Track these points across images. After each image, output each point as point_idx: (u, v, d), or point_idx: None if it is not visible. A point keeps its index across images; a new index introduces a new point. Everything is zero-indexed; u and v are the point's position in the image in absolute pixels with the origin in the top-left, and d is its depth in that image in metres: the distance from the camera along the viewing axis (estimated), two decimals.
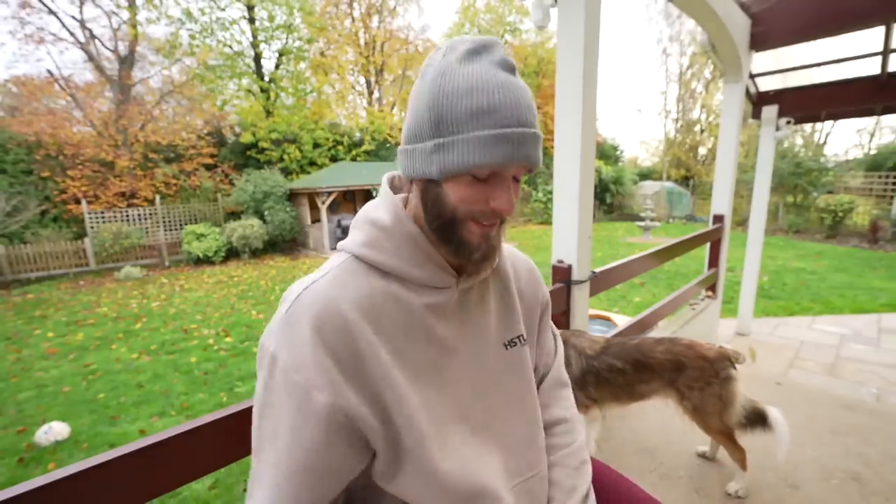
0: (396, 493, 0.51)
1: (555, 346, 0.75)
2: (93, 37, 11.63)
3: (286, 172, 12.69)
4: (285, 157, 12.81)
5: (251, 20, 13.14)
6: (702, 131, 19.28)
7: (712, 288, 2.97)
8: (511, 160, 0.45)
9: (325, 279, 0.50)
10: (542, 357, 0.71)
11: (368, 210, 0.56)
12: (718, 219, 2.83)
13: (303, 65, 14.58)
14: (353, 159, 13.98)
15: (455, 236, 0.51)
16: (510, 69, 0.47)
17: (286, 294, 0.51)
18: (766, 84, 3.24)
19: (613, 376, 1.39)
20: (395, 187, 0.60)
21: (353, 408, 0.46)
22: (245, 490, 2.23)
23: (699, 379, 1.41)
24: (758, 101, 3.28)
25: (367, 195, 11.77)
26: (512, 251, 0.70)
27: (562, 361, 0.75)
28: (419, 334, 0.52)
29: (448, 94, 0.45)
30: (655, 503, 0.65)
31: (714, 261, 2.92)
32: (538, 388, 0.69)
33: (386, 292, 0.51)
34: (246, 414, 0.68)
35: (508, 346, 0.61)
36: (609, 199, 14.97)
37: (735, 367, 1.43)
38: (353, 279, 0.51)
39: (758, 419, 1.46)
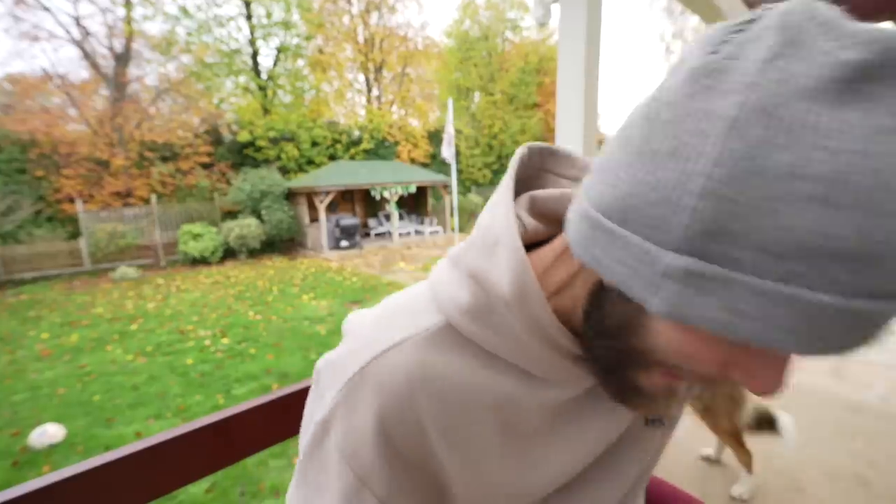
0: None
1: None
2: (88, 34, 11.55)
3: (284, 171, 12.63)
4: (283, 155, 12.75)
5: (248, 17, 13.06)
6: None
7: None
8: (853, 348, 0.22)
9: (407, 350, 0.36)
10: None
11: (478, 255, 0.36)
12: None
13: (301, 62, 14.52)
14: (352, 158, 13.93)
15: (623, 375, 0.32)
16: None
17: (359, 337, 0.39)
18: None
19: None
20: (536, 211, 0.39)
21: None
22: (242, 493, 2.22)
23: None
24: None
25: (366, 194, 11.74)
26: None
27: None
28: (524, 439, 0.38)
29: (765, 174, 0.20)
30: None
31: None
32: None
33: (485, 387, 0.36)
34: (244, 417, 0.67)
35: (651, 423, 0.44)
36: None
37: None
38: (444, 363, 0.36)
39: (766, 423, 1.44)
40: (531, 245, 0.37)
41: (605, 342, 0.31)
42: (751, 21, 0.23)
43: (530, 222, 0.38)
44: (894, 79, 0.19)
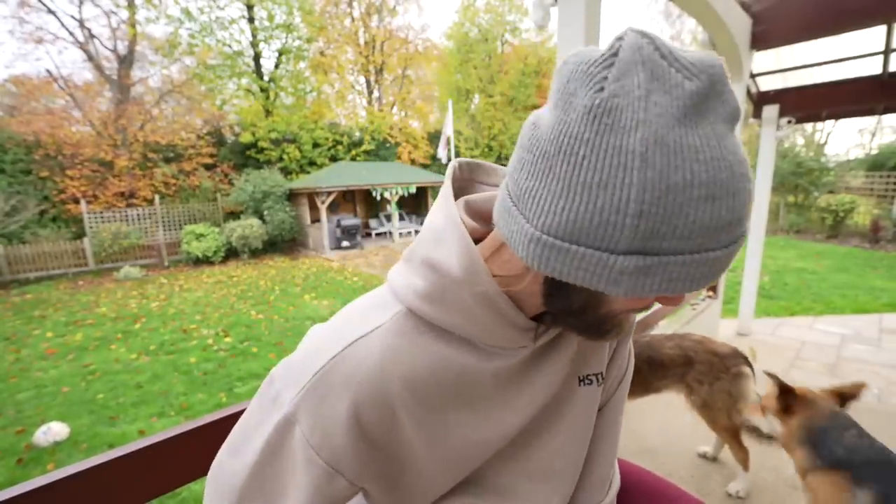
0: None
1: (626, 369, 0.61)
2: (92, 36, 11.62)
3: (286, 172, 12.68)
4: (285, 156, 12.80)
5: (251, 19, 13.12)
6: None
7: (713, 288, 2.97)
8: (718, 277, 0.32)
9: (373, 340, 0.40)
10: (610, 381, 0.59)
11: (426, 244, 0.42)
12: None
13: (302, 64, 14.58)
14: (353, 159, 13.97)
15: (592, 329, 0.40)
16: (735, 119, 0.31)
17: (321, 336, 0.42)
18: (767, 83, 3.23)
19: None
20: (471, 211, 0.45)
21: (369, 484, 0.42)
22: None
23: (708, 374, 1.42)
24: (758, 100, 3.27)
25: (367, 195, 11.77)
26: None
27: (624, 395, 0.62)
28: (486, 401, 0.44)
29: (674, 190, 0.27)
30: (677, 489, 0.63)
31: None
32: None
33: (447, 362, 0.41)
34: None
35: (583, 383, 0.52)
36: None
37: (750, 366, 1.43)
38: (409, 345, 0.40)
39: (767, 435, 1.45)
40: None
41: (573, 317, 0.39)
42: (613, 55, 0.29)
43: (468, 222, 0.43)
44: (717, 98, 0.29)
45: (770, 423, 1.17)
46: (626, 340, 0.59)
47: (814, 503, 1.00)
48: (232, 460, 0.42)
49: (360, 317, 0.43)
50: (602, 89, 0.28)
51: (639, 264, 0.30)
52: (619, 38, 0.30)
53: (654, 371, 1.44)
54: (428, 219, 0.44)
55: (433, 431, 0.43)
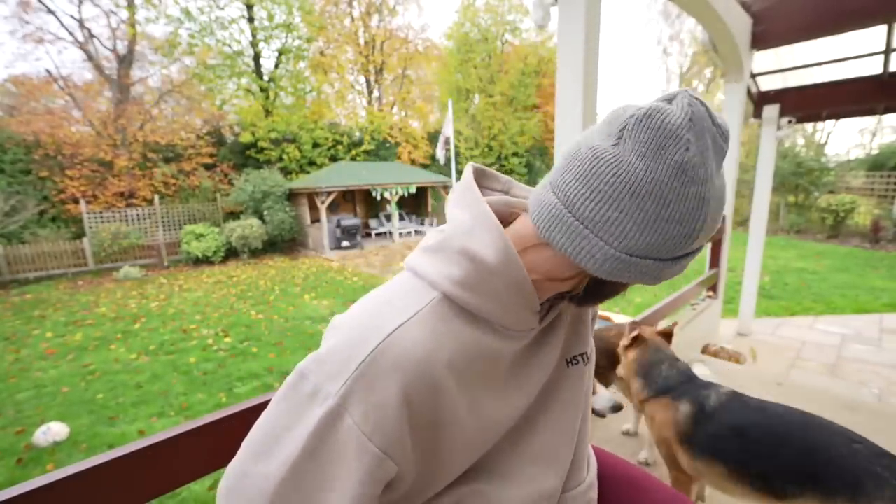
0: None
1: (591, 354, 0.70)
2: (92, 36, 11.61)
3: (285, 172, 12.67)
4: (284, 156, 12.79)
5: (250, 19, 13.11)
6: None
7: (713, 288, 2.96)
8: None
9: (418, 329, 0.42)
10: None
11: (461, 235, 0.45)
12: None
13: (302, 64, 14.56)
14: (353, 159, 13.96)
15: (600, 299, 0.50)
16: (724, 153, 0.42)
17: (354, 328, 0.43)
18: (767, 83, 3.23)
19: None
20: (483, 181, 0.53)
21: (408, 467, 0.44)
22: None
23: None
24: (759, 100, 3.27)
25: (367, 195, 11.77)
26: None
27: (590, 384, 0.71)
28: (498, 381, 0.49)
29: (714, 210, 0.39)
30: (649, 477, 0.68)
31: (715, 261, 2.91)
32: None
33: (478, 345, 0.45)
34: (245, 415, 0.68)
35: (570, 364, 0.57)
36: None
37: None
38: (448, 329, 0.43)
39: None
40: None
41: (590, 296, 0.50)
42: (690, 119, 0.38)
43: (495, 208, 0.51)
44: (721, 145, 0.40)
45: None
46: (593, 324, 0.65)
47: (652, 424, 1.22)
48: (261, 466, 0.41)
49: (394, 305, 0.44)
50: (688, 149, 0.37)
51: (677, 264, 0.41)
52: (689, 104, 0.38)
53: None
54: (453, 213, 0.49)
55: (464, 413, 0.45)
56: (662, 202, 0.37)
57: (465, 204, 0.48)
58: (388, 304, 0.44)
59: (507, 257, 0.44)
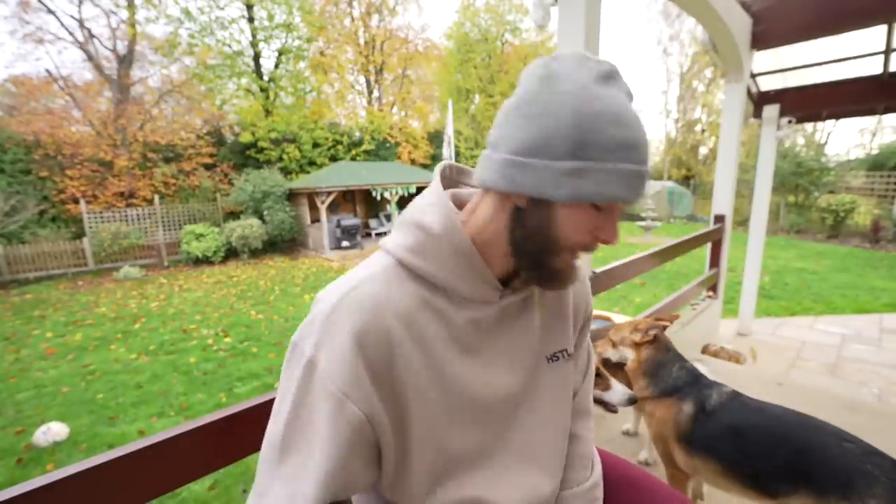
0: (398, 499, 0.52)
1: (587, 365, 0.71)
2: (92, 36, 11.61)
3: (285, 172, 12.67)
4: (284, 156, 12.79)
5: (250, 19, 13.11)
6: (702, 131, 19.28)
7: (713, 288, 2.96)
8: (639, 197, 0.46)
9: (370, 284, 0.48)
10: (576, 374, 0.68)
11: (416, 211, 0.53)
12: (719, 219, 2.82)
13: (302, 64, 14.56)
14: (353, 159, 13.95)
15: (547, 265, 0.49)
16: (632, 98, 0.48)
17: (324, 295, 0.49)
18: (768, 83, 3.23)
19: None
20: (456, 200, 0.57)
21: (379, 420, 0.46)
22: (245, 491, 2.24)
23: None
24: (759, 100, 3.27)
25: (367, 195, 11.77)
26: None
27: (590, 386, 0.71)
28: (457, 347, 0.51)
29: (595, 116, 0.42)
30: (649, 477, 0.69)
31: (715, 261, 2.91)
32: None
33: (430, 304, 0.50)
34: (245, 415, 0.68)
35: (551, 360, 0.59)
36: None
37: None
38: (399, 287, 0.49)
39: None
40: None
41: (530, 245, 0.49)
42: (554, 57, 0.47)
43: (453, 208, 0.54)
44: (618, 80, 0.46)
45: (620, 354, 1.36)
46: (587, 326, 0.68)
47: (651, 422, 1.24)
48: (270, 426, 0.48)
49: (358, 271, 0.51)
50: (554, 66, 0.45)
51: (575, 166, 0.43)
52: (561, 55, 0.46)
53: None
54: (417, 198, 0.55)
55: (421, 369, 0.48)
56: (533, 102, 0.44)
57: (427, 191, 0.55)
58: (355, 272, 0.51)
59: (449, 225, 0.50)
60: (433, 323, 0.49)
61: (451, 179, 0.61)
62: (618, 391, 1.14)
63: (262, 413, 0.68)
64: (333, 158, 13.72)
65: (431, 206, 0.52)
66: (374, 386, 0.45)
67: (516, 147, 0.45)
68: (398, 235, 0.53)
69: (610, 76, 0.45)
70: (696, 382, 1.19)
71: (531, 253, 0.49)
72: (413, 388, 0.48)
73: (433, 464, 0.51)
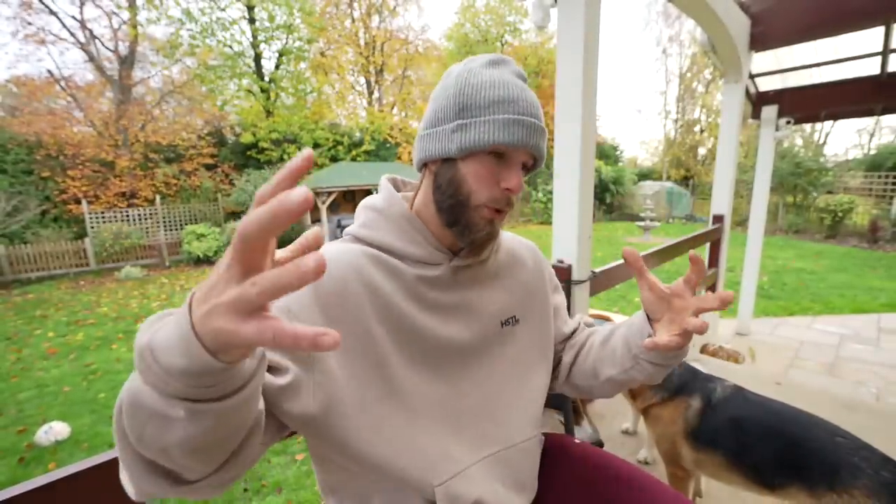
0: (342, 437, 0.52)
1: (575, 326, 0.79)
2: (93, 37, 11.63)
3: None
4: (285, 156, 12.80)
5: (251, 20, 13.14)
6: (701, 131, 19.28)
7: (712, 288, 2.98)
8: (524, 143, 0.54)
9: (326, 247, 0.58)
10: (563, 326, 0.77)
11: (366, 199, 0.64)
12: (718, 219, 2.83)
13: (303, 65, 14.59)
14: (353, 159, 13.98)
15: (463, 217, 0.56)
16: (524, 80, 0.59)
17: None
18: (766, 84, 3.24)
19: None
20: (395, 186, 0.68)
21: (342, 370, 0.52)
22: (245, 490, 2.25)
23: None
24: (757, 101, 3.28)
25: (367, 195, 11.74)
26: (514, 237, 0.76)
27: (584, 319, 0.81)
28: (415, 303, 0.58)
29: (473, 85, 0.54)
30: (649, 477, 0.69)
31: (714, 261, 2.92)
32: (570, 342, 0.77)
33: (381, 262, 0.58)
34: None
35: (504, 325, 0.67)
36: (609, 199, 14.97)
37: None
38: (355, 248, 0.58)
39: None
40: None
41: (449, 200, 0.57)
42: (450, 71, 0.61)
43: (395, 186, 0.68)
44: (507, 63, 0.60)
45: None
46: (558, 294, 0.77)
47: (657, 425, 1.26)
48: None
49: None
50: (456, 66, 0.60)
51: (459, 123, 0.55)
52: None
53: None
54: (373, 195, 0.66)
55: (385, 316, 0.55)
56: (437, 90, 0.59)
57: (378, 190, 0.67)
58: None
59: (391, 198, 0.61)
60: (386, 278, 0.57)
61: (398, 189, 0.70)
62: (586, 430, 1.19)
63: None
64: (334, 159, 13.75)
65: (378, 194, 0.64)
66: (322, 316, 0.51)
67: (424, 125, 0.58)
68: (355, 219, 0.63)
69: (498, 61, 0.57)
70: (696, 377, 1.23)
71: (449, 208, 0.56)
72: (361, 322, 0.53)
73: (383, 395, 0.53)
